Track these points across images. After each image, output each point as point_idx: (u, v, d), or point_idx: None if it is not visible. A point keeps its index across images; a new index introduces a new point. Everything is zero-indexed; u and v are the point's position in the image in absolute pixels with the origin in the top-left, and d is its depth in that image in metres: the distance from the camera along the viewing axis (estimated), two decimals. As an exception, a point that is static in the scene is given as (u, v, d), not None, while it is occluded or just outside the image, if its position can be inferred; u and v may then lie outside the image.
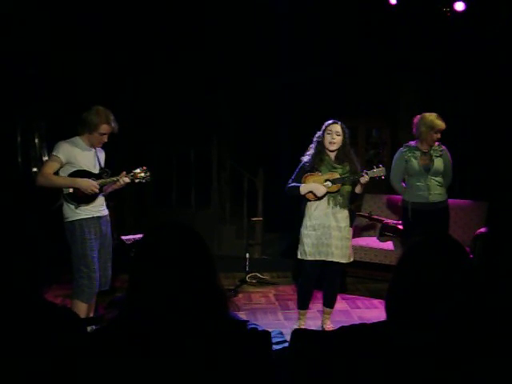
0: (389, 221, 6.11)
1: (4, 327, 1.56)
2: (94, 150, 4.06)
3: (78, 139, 4.00)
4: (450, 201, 4.96)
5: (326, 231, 4.27)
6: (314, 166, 4.31)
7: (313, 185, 4.26)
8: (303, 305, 4.54)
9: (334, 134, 4.25)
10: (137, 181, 4.19)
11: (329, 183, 4.23)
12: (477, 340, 1.44)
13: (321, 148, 4.31)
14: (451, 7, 6.05)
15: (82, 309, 3.89)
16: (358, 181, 4.23)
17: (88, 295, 3.95)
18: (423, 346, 1.42)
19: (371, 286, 5.92)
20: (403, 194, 4.94)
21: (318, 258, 4.30)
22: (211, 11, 7.01)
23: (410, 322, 1.46)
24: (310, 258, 4.31)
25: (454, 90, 6.87)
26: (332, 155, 4.33)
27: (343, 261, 4.34)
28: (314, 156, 4.32)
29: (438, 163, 4.75)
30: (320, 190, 4.22)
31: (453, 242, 1.54)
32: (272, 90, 7.61)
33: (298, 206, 4.47)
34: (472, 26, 6.24)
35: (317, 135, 4.36)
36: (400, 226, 5.47)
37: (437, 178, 4.77)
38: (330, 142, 4.25)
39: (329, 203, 4.29)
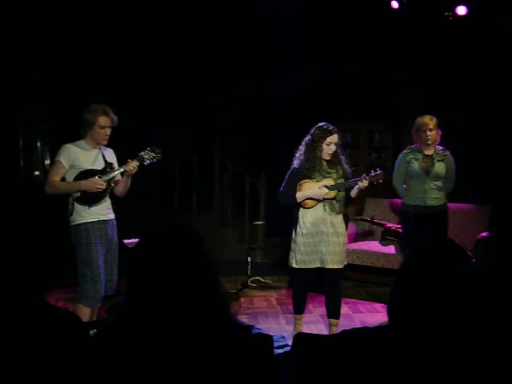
0: (390, 225, 6.11)
1: (6, 330, 1.56)
2: (98, 150, 4.02)
3: (82, 142, 3.98)
4: (452, 205, 4.95)
5: (325, 238, 4.18)
6: (307, 173, 4.19)
7: (309, 191, 4.17)
8: (299, 309, 4.45)
9: (332, 146, 4.14)
10: (146, 163, 4.07)
11: (325, 189, 4.14)
12: (478, 344, 1.43)
13: (314, 154, 4.17)
14: (453, 11, 6.05)
15: (85, 313, 3.87)
16: (356, 185, 4.16)
17: (92, 300, 3.92)
18: (425, 350, 1.42)
19: (373, 290, 5.92)
20: (403, 196, 4.94)
21: (316, 266, 4.20)
22: (213, 13, 7.02)
23: (412, 325, 1.46)
24: (309, 267, 4.21)
25: (456, 94, 6.88)
26: (324, 162, 4.22)
27: (339, 266, 4.24)
28: (305, 162, 4.19)
29: (439, 167, 4.72)
30: (319, 193, 4.14)
31: (455, 246, 1.54)
32: (274, 93, 7.61)
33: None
34: (474, 29, 6.24)
35: (307, 139, 4.22)
36: (401, 230, 5.46)
37: (436, 182, 4.73)
38: (329, 154, 4.15)
39: (325, 209, 4.20)
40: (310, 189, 4.18)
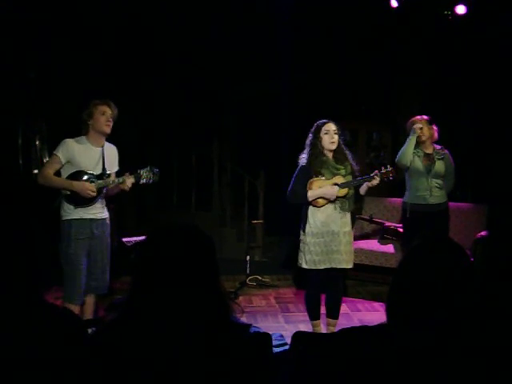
0: (389, 224, 6.10)
1: (5, 329, 1.56)
2: (100, 148, 3.97)
3: (83, 138, 3.94)
4: (451, 204, 4.96)
5: (336, 238, 4.08)
6: (316, 170, 4.10)
7: (321, 190, 4.07)
8: (315, 315, 4.31)
9: (332, 133, 4.07)
10: (142, 182, 4.01)
11: (336, 187, 4.06)
12: (477, 343, 1.44)
13: (318, 150, 4.10)
14: (452, 10, 6.06)
15: (74, 311, 3.84)
16: (366, 183, 4.09)
17: (76, 296, 3.86)
18: (423, 349, 1.42)
19: (372, 289, 5.91)
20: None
21: (327, 266, 4.09)
22: (212, 15, 7.02)
23: (410, 324, 1.46)
24: (320, 267, 4.09)
25: (455, 94, 6.88)
26: (330, 156, 4.14)
27: (349, 266, 4.17)
28: (312, 160, 4.11)
29: (439, 165, 4.75)
30: (331, 192, 4.04)
31: (453, 244, 1.54)
32: (273, 93, 7.61)
33: (298, 209, 4.29)
34: (473, 29, 6.25)
35: (310, 138, 4.15)
36: (401, 229, 5.46)
37: (437, 180, 4.76)
38: (331, 142, 4.07)
39: (336, 208, 4.10)
40: (320, 187, 4.09)
